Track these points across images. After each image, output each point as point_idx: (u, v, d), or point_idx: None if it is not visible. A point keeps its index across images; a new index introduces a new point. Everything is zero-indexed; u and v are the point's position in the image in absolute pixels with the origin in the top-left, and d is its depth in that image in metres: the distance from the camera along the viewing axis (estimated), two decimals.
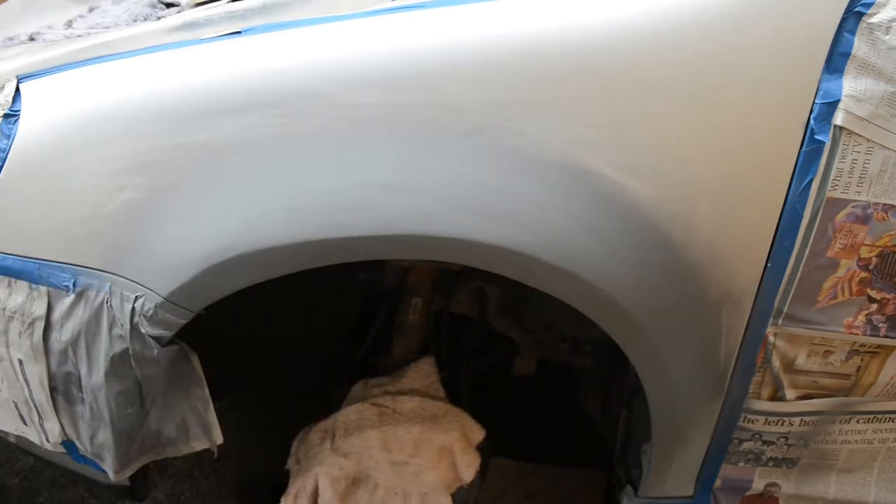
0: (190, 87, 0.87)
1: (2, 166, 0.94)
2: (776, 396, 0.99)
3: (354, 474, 1.16)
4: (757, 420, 1.01)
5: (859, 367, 0.97)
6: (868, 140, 0.80)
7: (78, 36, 1.19)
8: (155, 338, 0.93)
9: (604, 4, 0.81)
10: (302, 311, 1.33)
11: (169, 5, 1.36)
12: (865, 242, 0.86)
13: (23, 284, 0.98)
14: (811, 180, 0.82)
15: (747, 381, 0.97)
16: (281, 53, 0.87)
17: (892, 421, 1.03)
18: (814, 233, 0.85)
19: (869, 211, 0.84)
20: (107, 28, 1.23)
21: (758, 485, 1.10)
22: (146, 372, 0.97)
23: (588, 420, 1.53)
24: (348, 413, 1.22)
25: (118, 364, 0.96)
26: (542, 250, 0.83)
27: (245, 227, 0.85)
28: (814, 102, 0.80)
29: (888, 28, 0.76)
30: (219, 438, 1.10)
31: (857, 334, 0.92)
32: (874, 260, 0.87)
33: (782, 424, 1.02)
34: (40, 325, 0.99)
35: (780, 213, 0.85)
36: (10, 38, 1.20)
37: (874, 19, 0.76)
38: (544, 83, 0.80)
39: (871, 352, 0.95)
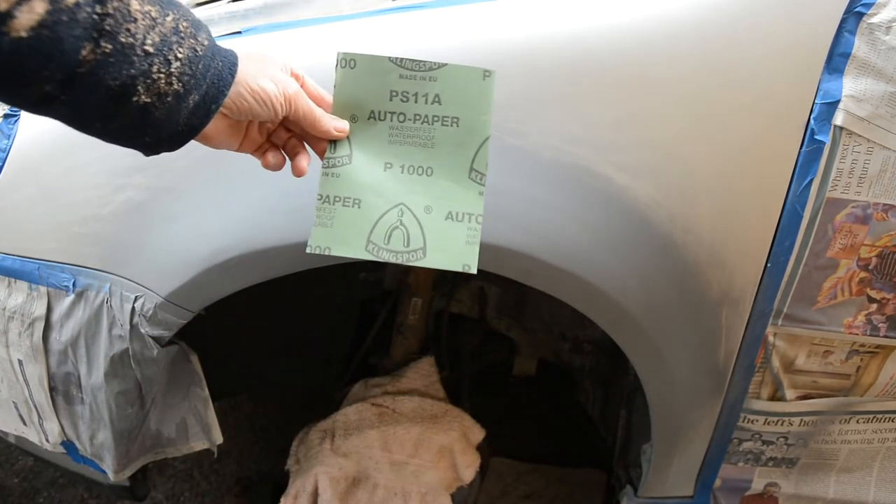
0: None
1: (2, 166, 0.94)
2: (776, 396, 0.99)
3: (354, 474, 1.16)
4: (757, 420, 1.01)
5: (859, 367, 0.97)
6: (868, 140, 0.80)
7: None
8: (155, 338, 0.93)
9: (605, 6, 0.81)
10: (302, 311, 1.33)
11: None
12: (865, 242, 0.86)
13: (23, 284, 0.98)
14: (811, 180, 0.82)
15: (747, 381, 0.97)
16: (281, 53, 0.87)
17: (892, 421, 1.03)
18: (814, 233, 0.85)
19: (869, 211, 0.84)
20: None
21: (757, 485, 1.10)
22: (146, 372, 0.97)
23: (588, 420, 1.53)
24: (348, 413, 1.22)
25: (118, 364, 0.96)
26: (542, 250, 0.83)
27: (245, 227, 0.85)
28: (814, 102, 0.80)
29: (888, 28, 0.76)
30: (218, 438, 1.10)
31: (857, 334, 0.93)
32: (874, 260, 0.87)
33: (782, 424, 1.02)
34: (40, 326, 0.99)
35: (780, 213, 0.85)
36: None
37: (874, 19, 0.77)
38: (545, 83, 0.80)
39: (871, 352, 0.95)
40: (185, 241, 0.88)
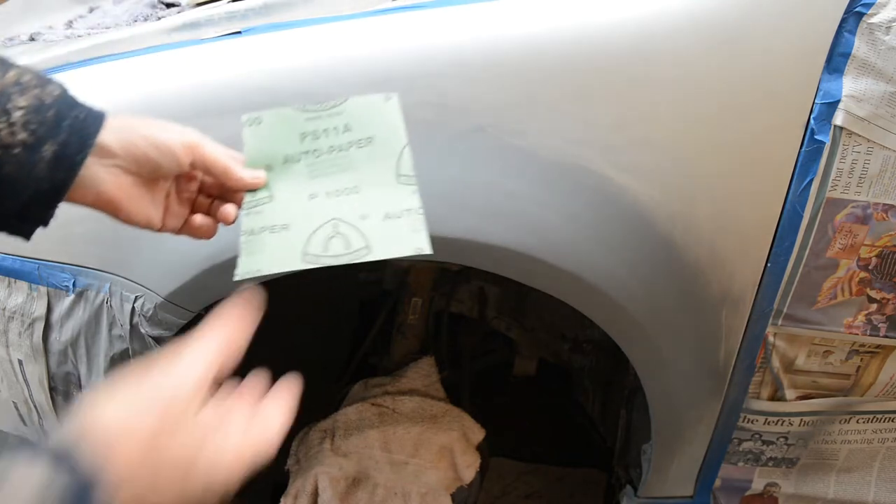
0: (190, 87, 0.86)
1: None
2: (776, 396, 0.99)
3: (354, 474, 1.16)
4: (757, 420, 1.01)
5: (859, 367, 0.97)
6: (868, 140, 0.80)
7: (78, 36, 1.19)
8: (155, 338, 0.93)
9: (604, 5, 0.81)
10: (302, 311, 1.33)
11: (169, 5, 1.36)
12: (865, 242, 0.86)
13: (23, 284, 0.98)
14: (811, 180, 0.82)
15: (747, 381, 0.97)
16: (281, 53, 0.87)
17: (892, 421, 1.03)
18: (814, 233, 0.85)
19: (869, 211, 0.84)
20: (107, 28, 1.23)
21: (757, 485, 1.10)
22: None
23: (588, 420, 1.53)
24: (348, 413, 1.22)
25: (118, 364, 0.96)
26: (542, 250, 0.83)
27: None
28: (814, 102, 0.80)
29: (888, 28, 0.76)
30: None
31: (857, 334, 0.93)
32: (874, 260, 0.87)
33: (782, 424, 1.02)
34: (40, 326, 0.99)
35: (780, 213, 0.85)
36: (11, 39, 1.20)
37: (874, 19, 0.76)
38: (545, 83, 0.80)
39: (871, 352, 0.95)
40: (185, 241, 0.88)
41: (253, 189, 0.65)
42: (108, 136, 0.56)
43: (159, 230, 0.63)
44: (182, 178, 0.63)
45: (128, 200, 0.58)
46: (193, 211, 0.65)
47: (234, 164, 0.62)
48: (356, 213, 0.65)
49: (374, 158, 0.67)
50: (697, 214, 0.84)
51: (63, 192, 0.55)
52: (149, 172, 0.58)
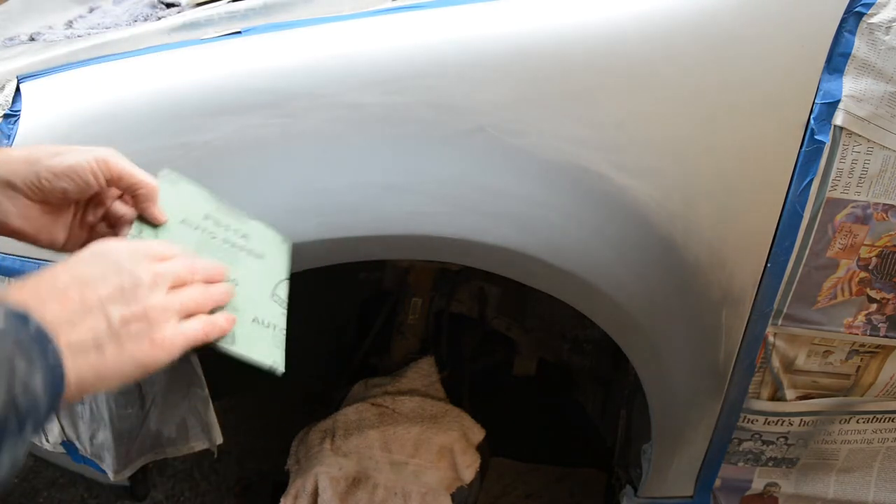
0: (191, 87, 0.86)
1: None
2: (776, 396, 0.99)
3: (354, 474, 1.16)
4: (757, 420, 1.01)
5: (859, 367, 0.97)
6: (868, 140, 0.80)
7: (78, 36, 1.19)
8: None
9: (603, 4, 0.81)
10: (301, 311, 1.33)
11: (169, 5, 1.36)
12: (865, 242, 0.86)
13: None
14: (811, 180, 0.82)
15: (747, 381, 0.97)
16: (281, 53, 0.87)
17: (892, 421, 1.03)
18: (814, 233, 0.86)
19: (869, 211, 0.84)
20: (107, 28, 1.23)
21: (757, 484, 1.10)
22: None
23: (588, 420, 1.53)
24: (348, 413, 1.22)
25: None
26: (542, 250, 0.83)
27: None
28: (814, 102, 0.80)
29: (888, 28, 0.76)
30: (218, 438, 1.10)
31: (857, 334, 0.93)
32: (874, 260, 0.87)
33: (782, 424, 1.02)
34: None
35: (780, 213, 0.85)
36: (11, 39, 1.20)
37: (874, 19, 0.77)
38: (544, 83, 0.80)
39: (871, 352, 0.95)
40: None
41: (154, 224, 0.64)
42: (11, 171, 0.58)
43: (60, 250, 0.64)
44: (90, 203, 0.64)
45: (34, 230, 0.60)
46: (92, 237, 0.65)
47: (145, 176, 0.63)
48: (229, 305, 0.64)
49: (258, 272, 0.69)
50: (697, 214, 0.84)
51: None
52: (58, 199, 0.60)
